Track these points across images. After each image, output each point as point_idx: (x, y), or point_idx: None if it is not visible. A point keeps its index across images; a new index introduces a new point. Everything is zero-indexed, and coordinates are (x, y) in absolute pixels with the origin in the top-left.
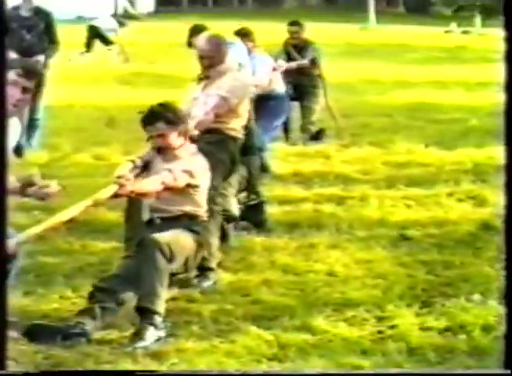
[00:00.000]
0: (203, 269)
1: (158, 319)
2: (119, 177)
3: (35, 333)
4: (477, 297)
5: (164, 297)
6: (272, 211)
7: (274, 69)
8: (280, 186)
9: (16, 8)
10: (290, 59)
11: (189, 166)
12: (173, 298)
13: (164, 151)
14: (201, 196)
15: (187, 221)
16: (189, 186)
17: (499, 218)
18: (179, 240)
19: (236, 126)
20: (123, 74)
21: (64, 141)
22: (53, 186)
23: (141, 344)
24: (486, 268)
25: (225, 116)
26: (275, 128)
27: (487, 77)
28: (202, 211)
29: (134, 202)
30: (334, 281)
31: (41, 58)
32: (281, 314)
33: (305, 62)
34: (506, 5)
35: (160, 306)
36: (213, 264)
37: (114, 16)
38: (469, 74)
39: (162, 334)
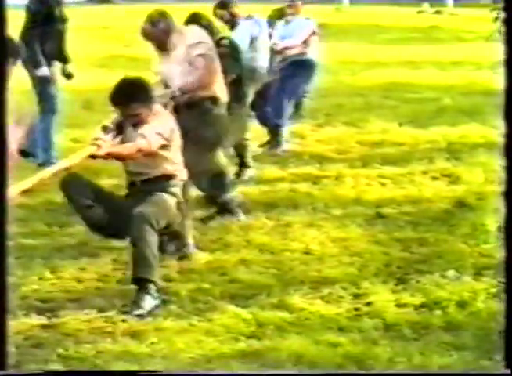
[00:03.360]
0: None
1: (154, 288)
2: (96, 139)
3: None
4: (451, 273)
5: (157, 265)
6: (248, 190)
7: (314, 33)
8: (256, 166)
9: None
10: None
11: (159, 128)
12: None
13: (135, 124)
14: (175, 154)
15: (165, 182)
16: (162, 147)
17: (473, 195)
18: (160, 207)
19: (215, 90)
20: (99, 57)
21: None
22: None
23: (139, 312)
24: (460, 244)
25: (202, 81)
26: (302, 93)
27: (459, 57)
28: (178, 169)
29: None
30: (310, 259)
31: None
32: (258, 292)
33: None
34: None
35: (155, 275)
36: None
37: (89, 0)
38: (442, 53)
39: (157, 302)
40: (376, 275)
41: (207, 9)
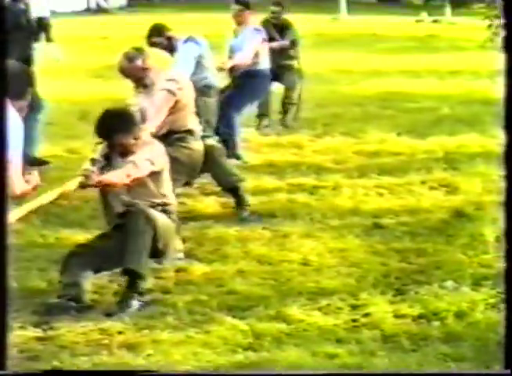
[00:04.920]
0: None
1: (143, 284)
2: (85, 170)
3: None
4: (450, 284)
5: (147, 263)
6: None
7: (264, 40)
8: (253, 177)
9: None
10: (270, 38)
11: (148, 154)
12: (148, 289)
13: (122, 153)
14: (166, 182)
15: (160, 209)
16: (152, 173)
17: (471, 205)
18: (162, 217)
19: (187, 120)
20: (95, 68)
21: None
22: (34, 175)
23: (127, 311)
24: (459, 255)
25: (173, 114)
26: (252, 105)
27: (458, 66)
28: (170, 198)
29: (105, 195)
30: (308, 270)
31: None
32: (256, 304)
33: (286, 43)
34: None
35: (145, 270)
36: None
37: (87, 10)
38: (440, 62)
39: (146, 299)
40: (374, 286)
41: (209, 19)
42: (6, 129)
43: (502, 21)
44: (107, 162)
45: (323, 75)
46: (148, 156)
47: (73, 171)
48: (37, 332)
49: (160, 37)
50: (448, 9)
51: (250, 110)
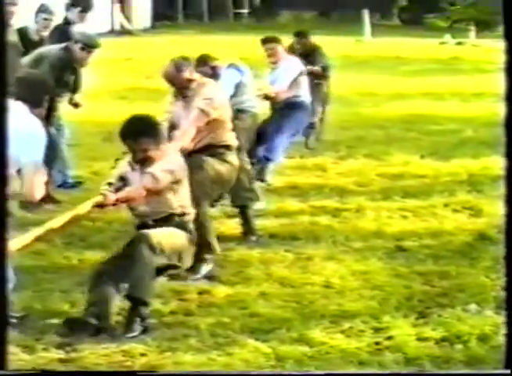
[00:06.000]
0: (196, 261)
1: (146, 310)
2: (102, 190)
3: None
4: (473, 307)
5: (152, 287)
6: (268, 223)
7: (301, 73)
8: (276, 199)
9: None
10: None
11: (168, 165)
12: (171, 312)
13: (142, 161)
14: (185, 193)
15: (177, 219)
16: (171, 184)
17: (495, 228)
18: (171, 235)
19: (225, 136)
20: (119, 89)
21: None
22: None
23: (131, 335)
24: (482, 278)
25: (211, 129)
26: (294, 136)
27: (481, 88)
28: (188, 209)
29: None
30: (331, 293)
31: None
32: (278, 326)
33: (318, 68)
34: (506, 16)
35: (148, 296)
36: (206, 255)
37: (112, 32)
38: (464, 85)
39: (148, 324)
40: (397, 309)
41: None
42: (6, 128)
43: None
44: (124, 183)
45: (347, 97)
46: (167, 166)
47: (98, 193)
48: (60, 354)
49: (205, 66)
50: (472, 32)
51: (292, 140)
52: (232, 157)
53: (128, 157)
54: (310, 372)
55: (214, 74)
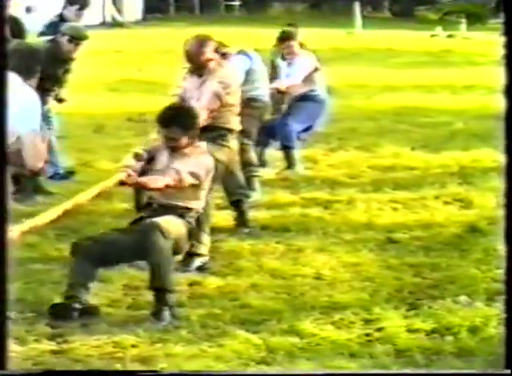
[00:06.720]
0: (190, 254)
1: (172, 298)
2: (126, 166)
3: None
4: (463, 298)
5: (172, 273)
6: (259, 215)
7: (316, 69)
8: (268, 191)
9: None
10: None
11: (196, 168)
12: None
13: (172, 148)
14: (202, 192)
15: (182, 210)
16: (192, 185)
17: (485, 220)
18: (171, 222)
19: (230, 119)
20: (110, 81)
21: None
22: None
23: (161, 324)
24: (472, 270)
25: (218, 111)
26: (309, 128)
27: (472, 81)
28: (199, 205)
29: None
30: (322, 285)
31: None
32: (269, 318)
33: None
34: (506, 9)
35: (171, 284)
36: (200, 250)
37: (103, 24)
38: (454, 77)
39: (175, 311)
40: (387, 300)
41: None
42: (6, 128)
43: None
44: (150, 161)
45: (338, 90)
46: (194, 169)
47: (87, 185)
48: (52, 345)
49: (215, 53)
50: (463, 25)
51: (307, 132)
52: (233, 141)
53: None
54: (310, 372)
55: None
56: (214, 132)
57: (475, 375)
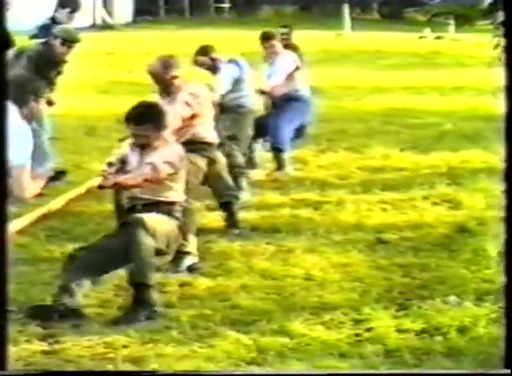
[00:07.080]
0: (179, 253)
1: (151, 294)
2: (103, 171)
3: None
4: (452, 299)
5: (153, 270)
6: (249, 216)
7: (297, 68)
8: (257, 192)
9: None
10: None
11: (169, 157)
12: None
13: (142, 146)
14: (180, 182)
15: (167, 206)
16: (170, 176)
17: (474, 220)
18: (160, 220)
19: (207, 132)
20: (101, 83)
21: None
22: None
23: (136, 322)
24: (461, 270)
25: (192, 123)
26: (298, 128)
27: (461, 82)
28: (181, 197)
29: (118, 192)
30: (311, 285)
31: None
32: (259, 318)
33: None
34: (506, 9)
35: (151, 280)
36: (189, 248)
37: (93, 26)
38: (443, 79)
39: (155, 309)
40: (377, 300)
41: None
42: (6, 128)
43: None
44: (123, 165)
45: (327, 91)
46: (168, 158)
47: (79, 186)
48: (43, 346)
49: (205, 56)
50: (451, 26)
51: (292, 132)
52: (214, 153)
53: (131, 140)
54: (310, 372)
55: (213, 66)
56: (193, 145)
57: (475, 375)
